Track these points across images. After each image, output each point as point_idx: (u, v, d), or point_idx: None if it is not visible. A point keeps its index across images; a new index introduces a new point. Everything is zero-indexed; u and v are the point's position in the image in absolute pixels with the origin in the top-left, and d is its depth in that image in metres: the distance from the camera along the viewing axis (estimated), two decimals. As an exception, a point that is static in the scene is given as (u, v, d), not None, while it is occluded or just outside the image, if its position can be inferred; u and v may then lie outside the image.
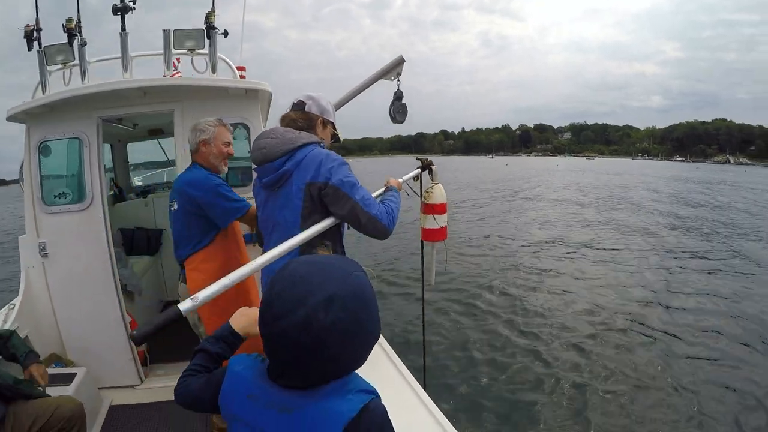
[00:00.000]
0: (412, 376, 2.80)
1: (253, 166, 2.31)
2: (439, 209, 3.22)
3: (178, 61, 4.25)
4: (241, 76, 4.52)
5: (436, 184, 3.23)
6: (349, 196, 2.10)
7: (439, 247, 3.48)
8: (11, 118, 3.68)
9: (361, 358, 1.07)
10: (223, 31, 3.86)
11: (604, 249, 13.85)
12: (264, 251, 2.33)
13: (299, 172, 2.13)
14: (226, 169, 2.99)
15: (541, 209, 23.80)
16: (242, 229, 3.73)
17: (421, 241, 3.43)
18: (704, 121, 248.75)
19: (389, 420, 1.07)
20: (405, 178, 2.98)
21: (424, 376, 3.62)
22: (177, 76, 4.19)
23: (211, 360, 1.36)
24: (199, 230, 2.90)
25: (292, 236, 2.07)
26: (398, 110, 3.21)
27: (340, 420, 0.99)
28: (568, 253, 13.28)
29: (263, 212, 2.33)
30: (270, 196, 2.26)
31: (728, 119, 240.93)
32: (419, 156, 3.31)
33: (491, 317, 8.16)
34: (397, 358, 3.03)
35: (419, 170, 3.20)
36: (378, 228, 2.17)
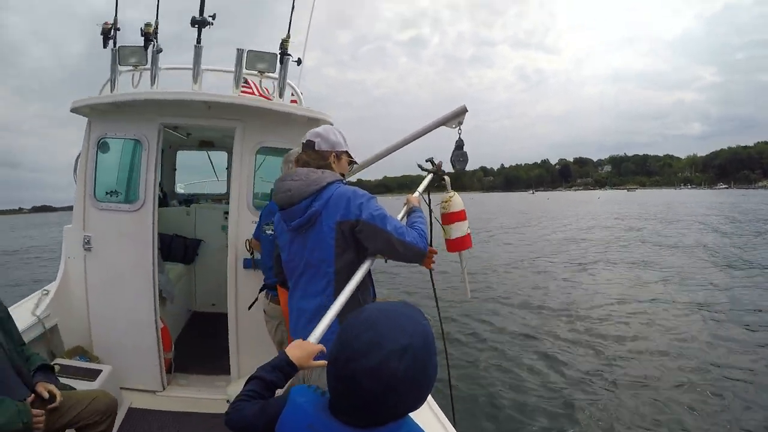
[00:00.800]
0: (443, 414, 2.75)
1: (278, 209, 2.30)
2: (460, 216, 3.09)
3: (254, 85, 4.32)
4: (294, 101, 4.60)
5: (452, 194, 3.12)
6: (383, 229, 2.10)
7: (465, 256, 3.27)
8: (75, 110, 3.78)
9: (420, 404, 1.10)
10: (296, 59, 3.95)
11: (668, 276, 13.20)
12: (291, 293, 2.34)
13: (328, 212, 2.11)
14: None
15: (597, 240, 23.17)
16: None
17: (430, 261, 2.72)
18: (746, 146, 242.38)
19: None
20: (420, 189, 2.93)
21: (453, 413, 3.50)
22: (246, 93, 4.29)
23: (266, 388, 1.40)
24: None
25: (325, 275, 2.12)
26: (458, 159, 3.20)
27: None
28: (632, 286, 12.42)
29: (289, 253, 2.30)
30: (296, 237, 2.23)
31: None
32: (429, 158, 3.22)
33: (526, 346, 7.92)
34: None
35: (430, 175, 3.09)
36: (415, 252, 2.17)
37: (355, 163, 2.52)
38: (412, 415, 1.13)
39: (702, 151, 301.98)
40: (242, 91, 4.63)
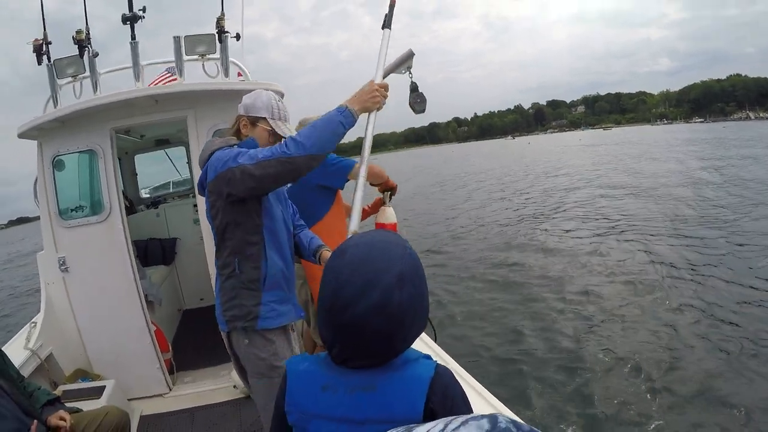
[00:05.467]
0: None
1: None
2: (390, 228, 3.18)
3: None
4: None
5: (389, 206, 3.21)
6: (235, 167, 1.89)
7: None
8: (23, 135, 3.64)
9: (423, 329, 1.10)
10: (235, 35, 3.85)
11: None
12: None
13: (209, 178, 2.03)
14: None
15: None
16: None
17: None
18: (719, 79, 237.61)
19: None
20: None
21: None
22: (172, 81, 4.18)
23: None
24: None
25: (216, 237, 2.11)
26: (416, 100, 3.19)
27: (423, 384, 1.02)
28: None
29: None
30: None
31: (742, 74, 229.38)
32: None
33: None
34: None
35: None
36: (282, 164, 1.85)
37: (283, 136, 2.15)
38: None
39: (673, 87, 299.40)
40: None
